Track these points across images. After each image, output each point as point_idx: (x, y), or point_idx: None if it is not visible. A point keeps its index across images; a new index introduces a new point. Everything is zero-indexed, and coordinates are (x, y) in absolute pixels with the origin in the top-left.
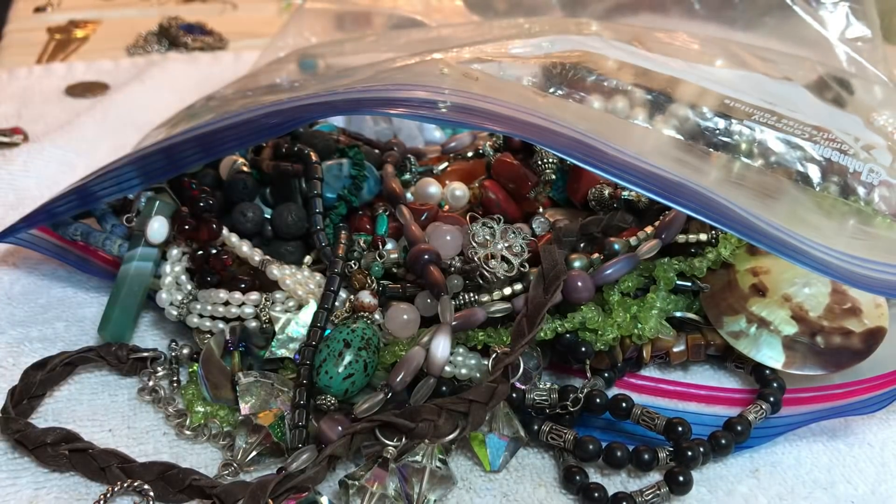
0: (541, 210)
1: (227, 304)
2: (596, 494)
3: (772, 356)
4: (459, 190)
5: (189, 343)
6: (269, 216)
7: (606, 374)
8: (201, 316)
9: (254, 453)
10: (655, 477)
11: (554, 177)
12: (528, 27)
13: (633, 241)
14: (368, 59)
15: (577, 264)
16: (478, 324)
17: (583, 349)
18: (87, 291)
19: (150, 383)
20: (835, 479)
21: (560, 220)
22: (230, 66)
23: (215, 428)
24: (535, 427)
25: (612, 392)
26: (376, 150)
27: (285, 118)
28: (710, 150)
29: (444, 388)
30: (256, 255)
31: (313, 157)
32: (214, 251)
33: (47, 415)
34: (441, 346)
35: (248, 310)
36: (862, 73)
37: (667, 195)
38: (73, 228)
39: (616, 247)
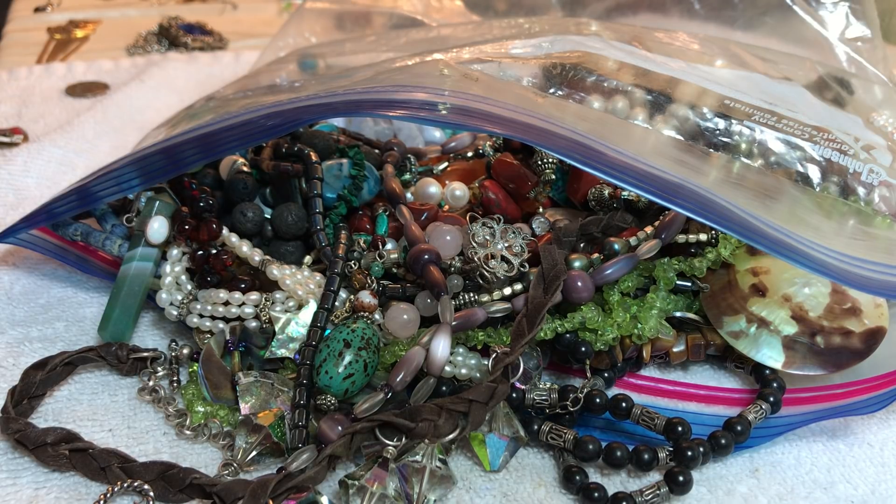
0: (541, 210)
1: (227, 304)
2: (596, 494)
3: (772, 356)
4: (459, 190)
5: (189, 343)
6: (269, 216)
7: (606, 374)
8: (201, 316)
9: (254, 453)
10: (655, 477)
11: (554, 177)
12: (528, 27)
13: (632, 241)
14: (368, 59)
15: (576, 264)
16: (478, 324)
17: (583, 349)
18: (87, 291)
19: (150, 383)
20: (835, 479)
21: (560, 220)
22: (230, 66)
23: (215, 428)
24: (535, 427)
25: (612, 392)
26: (376, 150)
27: (285, 119)
28: (710, 150)
29: (444, 388)
30: (256, 255)
31: (313, 157)
32: (214, 251)
33: (47, 415)
34: (441, 346)
35: (248, 310)
36: (862, 73)
37: (666, 196)
38: (73, 228)
39: (616, 247)
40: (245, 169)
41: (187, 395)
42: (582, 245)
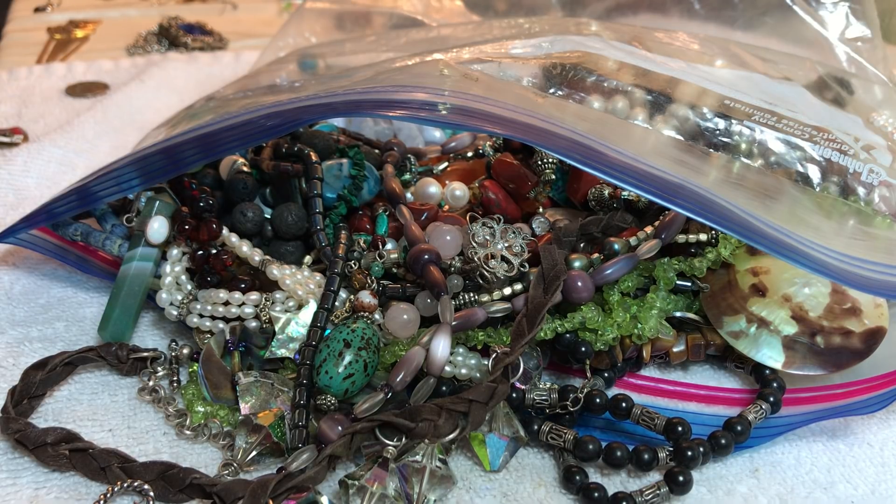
0: (541, 210)
1: (227, 304)
2: (596, 494)
3: (772, 356)
4: (459, 190)
5: (189, 343)
6: (269, 216)
7: (606, 374)
8: (201, 316)
9: (254, 453)
10: (655, 477)
11: (554, 177)
12: (528, 27)
13: (632, 241)
14: (368, 59)
15: (577, 264)
16: (478, 324)
17: (583, 349)
18: (87, 291)
19: (150, 383)
20: (835, 479)
21: (560, 220)
22: (230, 66)
23: (215, 428)
24: (535, 427)
25: (612, 392)
26: (376, 150)
27: (285, 119)
28: (710, 150)
29: (444, 388)
30: (256, 255)
31: (313, 157)
32: (214, 251)
33: (47, 415)
34: (441, 346)
35: (248, 310)
36: (862, 73)
37: (665, 196)
38: (73, 228)
39: (616, 247)
40: (245, 169)
41: (187, 395)
42: (582, 245)
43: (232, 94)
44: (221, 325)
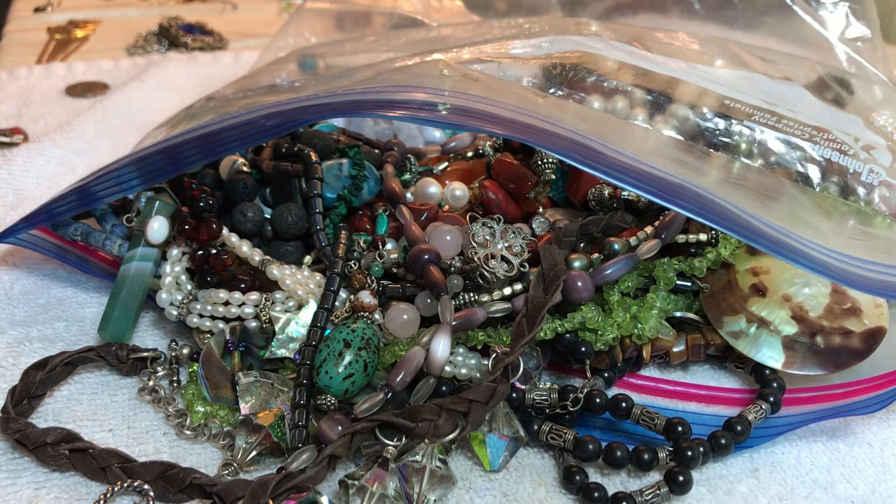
0: (541, 210)
1: (227, 304)
2: (596, 494)
3: (772, 356)
4: (459, 190)
5: (189, 343)
6: (269, 216)
7: (606, 374)
8: (201, 316)
9: (254, 453)
10: (655, 477)
11: (554, 177)
12: (528, 27)
13: (632, 241)
14: (368, 59)
15: (576, 264)
16: (478, 324)
17: (583, 349)
18: (87, 291)
19: (150, 383)
20: (835, 479)
21: (560, 220)
22: (230, 66)
23: (215, 428)
24: (535, 427)
25: (612, 392)
26: (376, 150)
27: (285, 119)
28: (710, 150)
29: (444, 388)
30: (256, 255)
31: (313, 157)
32: (214, 251)
33: (47, 415)
34: (441, 346)
35: (248, 310)
36: (862, 73)
37: (665, 196)
38: (73, 228)
39: (616, 247)
40: (245, 169)
41: (187, 395)
42: (582, 245)
43: (232, 94)
44: (221, 325)
